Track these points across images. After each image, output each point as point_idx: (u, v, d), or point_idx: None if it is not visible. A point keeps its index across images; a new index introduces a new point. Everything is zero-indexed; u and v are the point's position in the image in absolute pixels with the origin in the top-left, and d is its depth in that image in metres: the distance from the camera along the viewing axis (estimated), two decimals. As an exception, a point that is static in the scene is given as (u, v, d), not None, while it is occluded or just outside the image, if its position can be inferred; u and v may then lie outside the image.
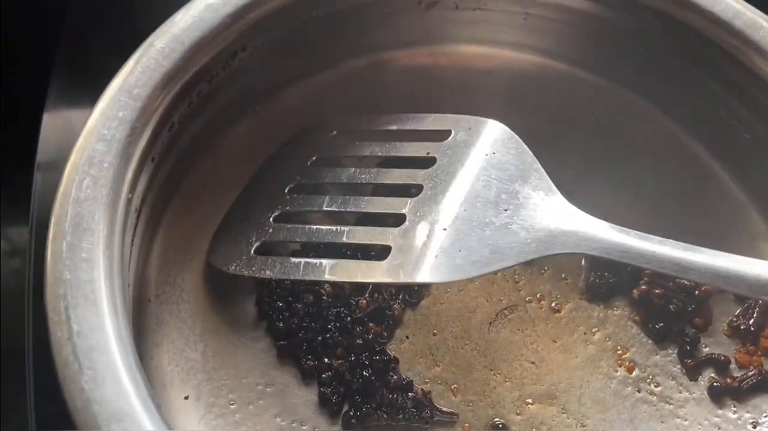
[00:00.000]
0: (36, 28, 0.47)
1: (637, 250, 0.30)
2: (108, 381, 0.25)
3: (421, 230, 0.33)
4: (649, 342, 0.37)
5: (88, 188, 0.29)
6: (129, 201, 0.31)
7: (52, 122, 0.41)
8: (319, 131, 0.40)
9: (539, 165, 0.34)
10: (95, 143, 0.31)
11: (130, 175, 0.31)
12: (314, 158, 0.39)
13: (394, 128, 0.38)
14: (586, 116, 0.41)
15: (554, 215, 0.32)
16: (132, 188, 0.31)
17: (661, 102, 0.40)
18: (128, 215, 0.31)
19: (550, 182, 0.33)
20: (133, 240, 0.33)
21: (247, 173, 0.39)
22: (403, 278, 0.31)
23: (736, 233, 0.38)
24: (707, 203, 0.39)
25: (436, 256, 0.32)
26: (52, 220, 0.29)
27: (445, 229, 0.32)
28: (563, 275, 0.39)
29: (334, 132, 0.40)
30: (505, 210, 0.32)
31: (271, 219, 0.37)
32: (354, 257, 0.35)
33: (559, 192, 0.33)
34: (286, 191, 0.38)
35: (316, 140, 0.40)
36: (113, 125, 0.31)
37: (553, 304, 0.38)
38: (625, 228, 0.31)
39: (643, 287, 0.37)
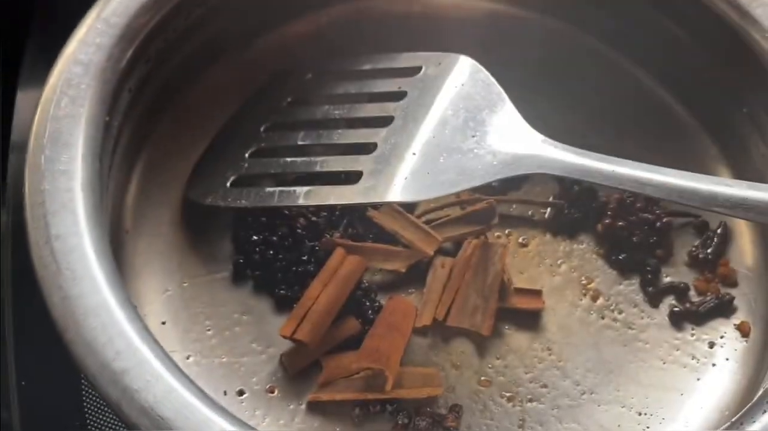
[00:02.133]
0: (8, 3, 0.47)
1: (597, 169, 0.31)
2: (86, 280, 0.26)
3: (392, 155, 0.34)
4: (613, 272, 0.38)
5: (66, 107, 0.30)
6: (107, 124, 0.32)
7: (26, 102, 0.40)
8: (294, 73, 0.41)
9: (506, 96, 0.35)
10: (73, 67, 0.31)
11: (107, 98, 0.32)
12: (289, 99, 0.40)
13: (368, 67, 0.39)
14: (553, 62, 0.42)
15: (519, 141, 0.33)
16: (109, 111, 0.32)
17: (614, 40, 0.42)
18: (106, 137, 0.32)
19: (516, 112, 0.35)
20: (111, 167, 0.34)
21: (224, 113, 0.40)
22: (374, 199, 0.33)
23: (689, 158, 0.40)
24: (662, 134, 0.41)
25: (406, 178, 0.33)
26: (32, 137, 0.30)
27: (414, 153, 0.34)
28: (530, 213, 0.40)
29: (309, 75, 0.41)
30: (473, 137, 0.34)
31: (246, 155, 0.38)
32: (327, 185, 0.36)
33: (524, 120, 0.34)
34: (261, 129, 0.39)
35: (291, 82, 0.41)
36: (90, 50, 0.32)
37: (521, 239, 0.39)
38: (585, 151, 0.33)
39: (607, 221, 0.39)
